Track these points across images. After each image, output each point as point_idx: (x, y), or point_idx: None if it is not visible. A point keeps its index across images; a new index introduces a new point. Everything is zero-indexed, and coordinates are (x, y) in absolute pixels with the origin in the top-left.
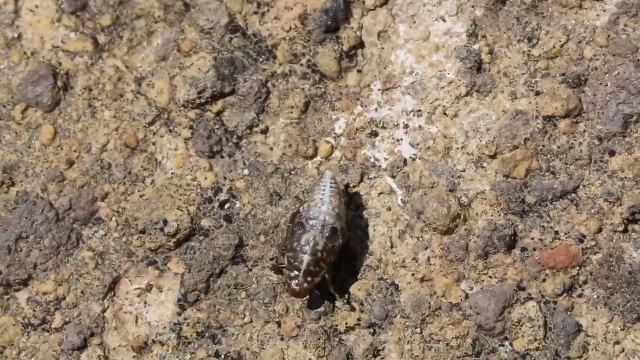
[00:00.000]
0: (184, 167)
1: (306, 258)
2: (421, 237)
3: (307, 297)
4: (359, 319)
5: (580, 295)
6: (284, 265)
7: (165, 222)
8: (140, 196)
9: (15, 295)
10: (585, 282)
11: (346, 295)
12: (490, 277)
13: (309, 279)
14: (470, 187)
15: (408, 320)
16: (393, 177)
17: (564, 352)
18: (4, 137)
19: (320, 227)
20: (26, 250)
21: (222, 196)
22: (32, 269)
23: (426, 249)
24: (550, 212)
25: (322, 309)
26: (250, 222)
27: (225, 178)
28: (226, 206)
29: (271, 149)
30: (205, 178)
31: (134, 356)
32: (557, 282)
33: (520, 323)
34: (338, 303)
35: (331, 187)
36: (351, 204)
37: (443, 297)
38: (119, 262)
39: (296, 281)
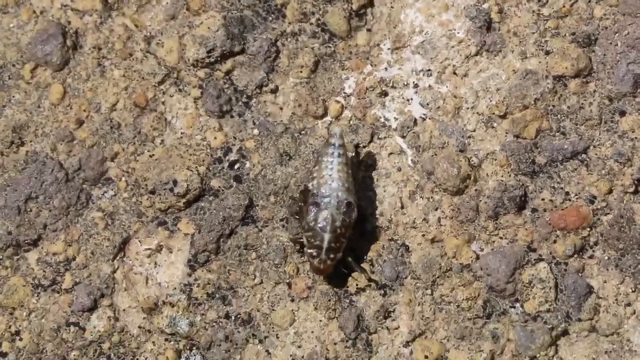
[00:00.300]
0: (194, 126)
1: (327, 236)
2: (431, 197)
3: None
4: (369, 280)
5: (591, 257)
6: (304, 245)
7: (175, 182)
8: (150, 156)
9: (25, 256)
10: (596, 244)
11: (367, 271)
12: (500, 238)
13: (331, 255)
14: (480, 147)
15: (419, 282)
16: (403, 137)
17: (575, 313)
18: (13, 97)
19: (336, 204)
20: (36, 211)
21: (232, 156)
22: (42, 230)
23: (436, 209)
24: (561, 172)
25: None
26: (260, 182)
27: (235, 138)
28: (236, 166)
29: (281, 108)
30: (215, 138)
31: (144, 317)
32: (567, 243)
33: (531, 284)
34: (361, 279)
35: (339, 155)
36: (361, 165)
37: (454, 258)
38: (128, 222)
39: (319, 259)
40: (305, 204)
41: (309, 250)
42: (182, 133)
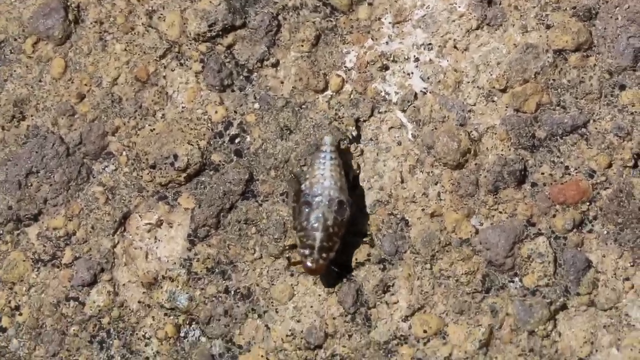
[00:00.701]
0: (195, 101)
1: (319, 235)
2: (431, 172)
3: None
4: (369, 255)
5: (590, 231)
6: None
7: (175, 156)
8: (151, 130)
9: (26, 230)
10: (595, 218)
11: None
12: (500, 212)
13: (324, 255)
14: (480, 121)
15: (418, 256)
16: (404, 111)
17: (574, 288)
18: (14, 71)
19: (327, 203)
20: (36, 185)
21: (233, 130)
22: (42, 204)
23: (436, 184)
24: (561, 147)
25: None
26: (260, 156)
27: (235, 112)
28: (237, 140)
29: (282, 82)
30: (216, 112)
31: (143, 292)
32: (567, 217)
33: (530, 259)
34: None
35: (331, 158)
36: (360, 139)
37: (453, 232)
38: (129, 197)
39: (311, 258)
40: (297, 203)
41: (301, 250)
42: (183, 107)
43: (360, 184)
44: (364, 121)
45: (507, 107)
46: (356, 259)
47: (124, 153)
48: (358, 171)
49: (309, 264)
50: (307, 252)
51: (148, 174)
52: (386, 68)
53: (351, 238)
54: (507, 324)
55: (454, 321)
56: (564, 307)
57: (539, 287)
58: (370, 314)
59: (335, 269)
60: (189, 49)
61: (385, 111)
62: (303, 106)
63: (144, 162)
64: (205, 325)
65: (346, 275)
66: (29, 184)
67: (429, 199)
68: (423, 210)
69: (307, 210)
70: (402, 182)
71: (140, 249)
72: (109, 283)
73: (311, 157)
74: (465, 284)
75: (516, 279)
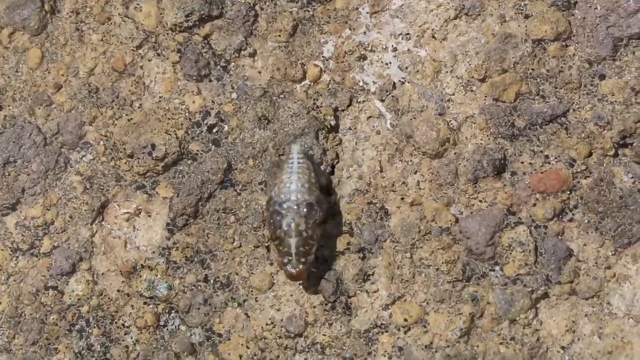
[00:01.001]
0: (172, 90)
1: (293, 241)
2: (410, 161)
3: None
4: (348, 244)
5: (571, 220)
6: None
7: (153, 146)
8: (128, 120)
9: (4, 220)
10: (575, 207)
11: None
12: (480, 201)
13: (302, 259)
14: (459, 111)
15: (398, 245)
16: (382, 100)
17: (555, 276)
18: None
19: (295, 207)
20: (14, 175)
21: (211, 120)
22: (20, 194)
23: (416, 173)
24: (540, 136)
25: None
26: (238, 145)
27: (213, 102)
28: (214, 130)
29: (259, 72)
30: (194, 102)
31: (122, 281)
32: (547, 206)
33: (511, 248)
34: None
35: (298, 162)
36: (338, 128)
37: (433, 221)
38: (107, 186)
39: (291, 265)
40: (268, 212)
41: (279, 258)
42: (160, 97)
43: (339, 172)
44: (342, 110)
45: (486, 96)
46: (336, 248)
47: (102, 143)
48: (337, 160)
49: (289, 269)
50: (285, 260)
51: (126, 163)
52: (364, 58)
53: (331, 227)
54: (488, 312)
55: (435, 310)
56: (545, 295)
57: (519, 275)
58: (351, 302)
59: (314, 270)
60: (166, 39)
61: (364, 101)
62: (281, 96)
63: (121, 152)
64: (185, 313)
65: (325, 272)
66: (7, 174)
67: (409, 188)
68: (402, 199)
69: (278, 218)
70: (381, 171)
71: (118, 238)
72: (88, 272)
73: (280, 163)
74: (445, 272)
75: (497, 267)
